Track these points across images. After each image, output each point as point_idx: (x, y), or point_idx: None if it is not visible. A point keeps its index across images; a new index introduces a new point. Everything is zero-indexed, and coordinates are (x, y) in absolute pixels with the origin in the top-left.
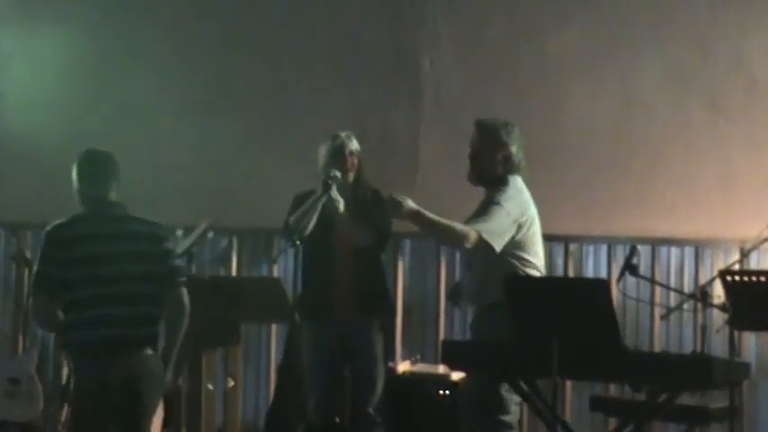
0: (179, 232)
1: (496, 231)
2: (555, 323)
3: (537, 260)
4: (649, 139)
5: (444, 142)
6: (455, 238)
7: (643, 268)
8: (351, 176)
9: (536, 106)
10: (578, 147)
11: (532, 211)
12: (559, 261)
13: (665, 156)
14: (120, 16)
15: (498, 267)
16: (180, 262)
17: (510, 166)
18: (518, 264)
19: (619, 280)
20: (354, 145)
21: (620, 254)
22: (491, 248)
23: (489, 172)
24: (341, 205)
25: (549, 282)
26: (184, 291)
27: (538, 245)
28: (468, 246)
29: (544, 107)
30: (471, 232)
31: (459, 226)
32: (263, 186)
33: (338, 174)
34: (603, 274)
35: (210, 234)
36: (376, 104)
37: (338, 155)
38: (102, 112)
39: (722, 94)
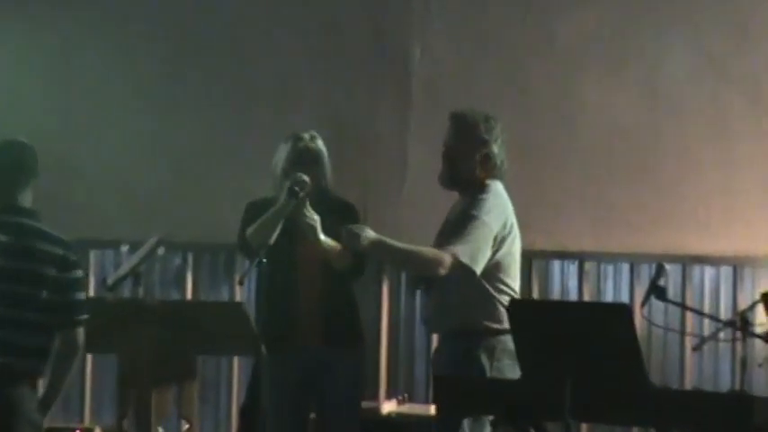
0: (124, 248)
1: (476, 253)
2: (568, 356)
3: (514, 284)
4: (679, 140)
5: (437, 143)
6: (426, 266)
7: (672, 291)
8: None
9: (545, 101)
10: (595, 149)
11: (513, 224)
12: (573, 282)
13: (698, 159)
14: (62, 5)
15: (466, 290)
16: (82, 296)
17: (490, 169)
18: (491, 287)
19: (643, 305)
20: (321, 147)
21: (645, 274)
22: (471, 272)
23: (465, 174)
24: (317, 224)
25: (561, 307)
26: (81, 331)
27: (516, 265)
28: (442, 272)
29: (554, 102)
30: (445, 257)
31: (429, 251)
32: (225, 194)
33: (306, 179)
34: (625, 298)
35: (161, 250)
36: (356, 99)
37: (302, 159)
38: (43, 107)
39: (765, 87)
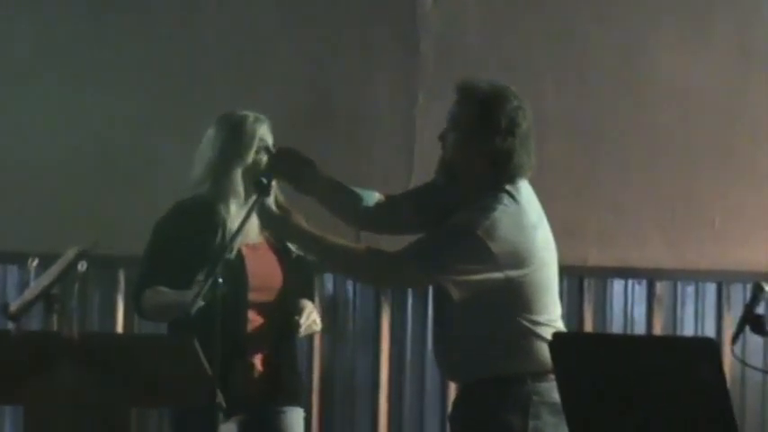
0: (33, 262)
1: (443, 263)
2: (633, 409)
3: (541, 317)
4: None
5: None
6: (356, 267)
7: None
8: None
9: (603, 70)
10: (669, 131)
11: (533, 249)
12: (640, 309)
13: None
14: None
15: (489, 323)
16: None
17: (505, 164)
18: (523, 321)
19: (735, 339)
20: (269, 135)
21: (737, 297)
22: (447, 295)
23: (467, 170)
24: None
25: (623, 343)
26: None
27: (545, 293)
28: (394, 279)
29: (613, 68)
30: (403, 263)
31: (380, 257)
32: (170, 192)
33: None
34: (710, 331)
35: (83, 266)
36: (348, 66)
37: (257, 138)
38: None
39: None
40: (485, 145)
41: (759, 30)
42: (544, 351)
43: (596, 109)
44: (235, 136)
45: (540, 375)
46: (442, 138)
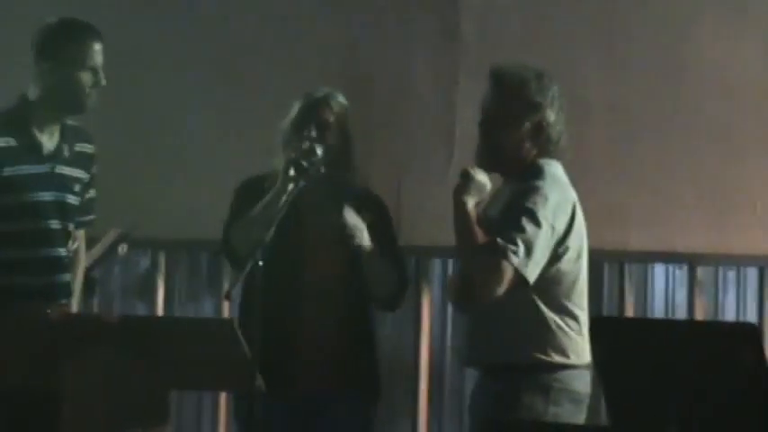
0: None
1: (535, 263)
2: (673, 395)
3: (578, 311)
4: None
5: None
6: (482, 278)
7: None
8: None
9: (641, 51)
10: (710, 116)
11: (580, 225)
12: (681, 293)
13: None
14: None
15: (512, 310)
16: None
17: (544, 144)
18: (547, 308)
19: None
20: (339, 106)
21: None
22: (523, 283)
23: (510, 151)
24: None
25: (664, 327)
26: None
27: (582, 285)
28: (500, 291)
29: (655, 52)
30: (505, 268)
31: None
32: (206, 176)
33: (318, 149)
34: (753, 317)
35: (123, 249)
36: (391, 49)
37: (313, 121)
38: None
39: None
40: (518, 123)
41: None
42: (568, 340)
43: (638, 93)
44: (297, 113)
45: (560, 366)
46: (481, 125)
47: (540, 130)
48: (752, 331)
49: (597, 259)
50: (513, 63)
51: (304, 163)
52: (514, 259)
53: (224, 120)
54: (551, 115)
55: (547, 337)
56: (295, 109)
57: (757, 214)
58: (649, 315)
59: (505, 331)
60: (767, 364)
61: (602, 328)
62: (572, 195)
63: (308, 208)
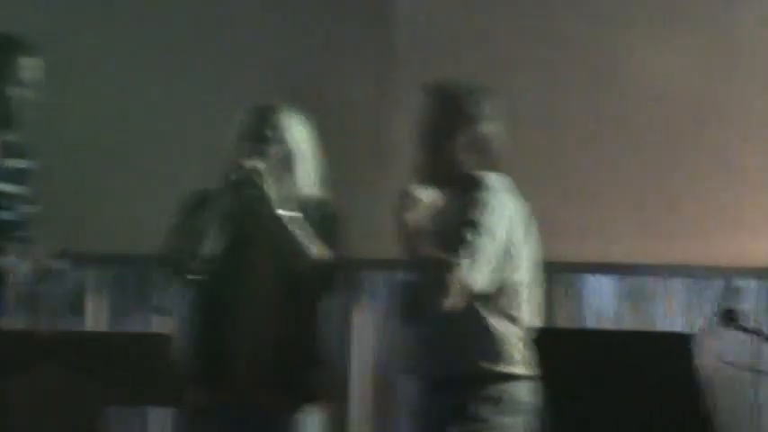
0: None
1: (479, 267)
2: (607, 402)
3: (521, 315)
4: (756, 116)
5: None
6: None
7: (747, 316)
8: (275, 173)
9: (576, 62)
10: (643, 125)
11: (520, 233)
12: (611, 302)
13: None
14: None
15: (457, 320)
16: None
17: (480, 155)
18: (491, 316)
19: (707, 334)
20: (285, 121)
21: (710, 293)
22: (472, 293)
23: (448, 164)
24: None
25: (597, 338)
26: None
27: (524, 290)
28: (450, 305)
29: (589, 63)
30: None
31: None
32: (140, 187)
33: (258, 165)
34: (682, 326)
35: (54, 264)
36: (316, 55)
37: (259, 133)
38: None
39: None
40: (457, 138)
41: (735, 22)
42: (516, 350)
43: (572, 104)
44: (243, 124)
45: (511, 373)
46: (418, 140)
47: (475, 141)
48: (683, 340)
49: None
50: (446, 79)
51: (234, 176)
52: (460, 271)
53: (158, 133)
54: (487, 127)
55: (494, 348)
56: (242, 119)
57: (688, 225)
58: (581, 326)
59: (453, 343)
60: (697, 371)
61: (544, 340)
62: (516, 204)
63: (252, 220)
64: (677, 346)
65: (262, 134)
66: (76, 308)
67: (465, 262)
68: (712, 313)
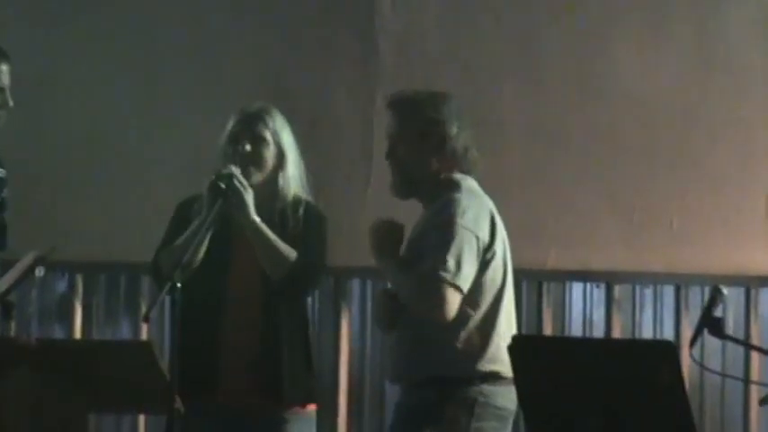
0: None
1: (464, 269)
2: (591, 412)
3: (508, 323)
4: (742, 122)
5: None
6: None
7: (733, 324)
8: (265, 176)
9: (557, 70)
10: (628, 134)
11: (501, 231)
12: (599, 312)
13: (764, 148)
14: None
15: (446, 326)
16: None
17: (450, 158)
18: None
19: (693, 343)
20: (274, 124)
21: (695, 300)
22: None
23: (419, 172)
24: (249, 197)
25: (582, 346)
26: None
27: (509, 294)
28: (450, 316)
29: (570, 72)
30: (448, 292)
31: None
32: (126, 196)
33: (235, 170)
34: (669, 334)
35: (40, 271)
36: (308, 66)
37: (245, 138)
38: None
39: None
40: (423, 142)
41: (716, 34)
42: (495, 353)
43: (554, 112)
44: (229, 130)
45: (489, 378)
46: (388, 154)
47: (442, 144)
48: (668, 348)
49: (515, 278)
50: (406, 89)
51: (222, 184)
52: (447, 277)
53: (144, 140)
54: (452, 129)
55: (472, 349)
56: (230, 124)
57: (673, 232)
58: (567, 333)
59: (432, 345)
60: (683, 380)
61: (521, 347)
62: (489, 204)
63: (234, 226)
64: (663, 354)
65: (248, 139)
66: (63, 315)
67: (450, 266)
68: (698, 321)
